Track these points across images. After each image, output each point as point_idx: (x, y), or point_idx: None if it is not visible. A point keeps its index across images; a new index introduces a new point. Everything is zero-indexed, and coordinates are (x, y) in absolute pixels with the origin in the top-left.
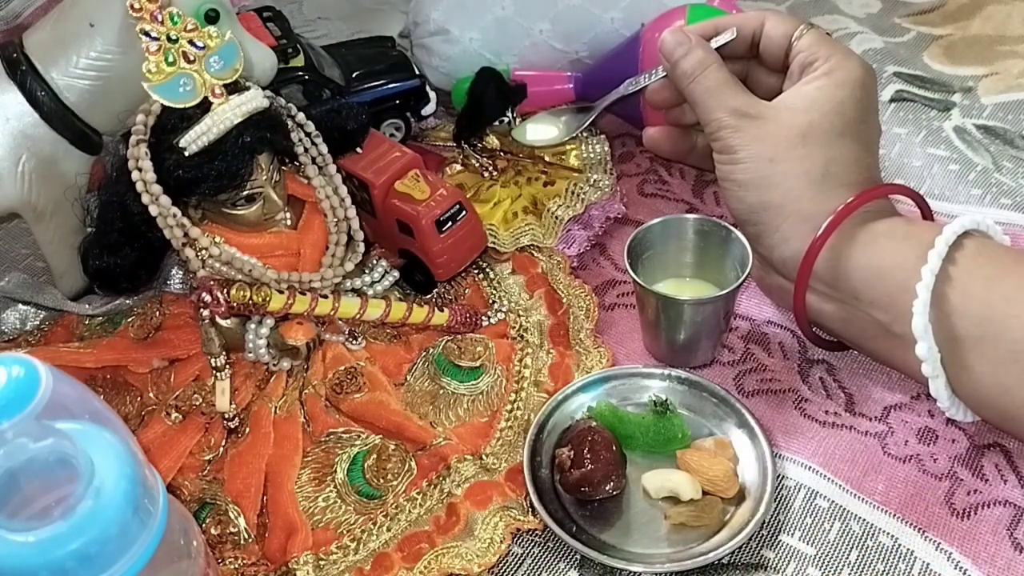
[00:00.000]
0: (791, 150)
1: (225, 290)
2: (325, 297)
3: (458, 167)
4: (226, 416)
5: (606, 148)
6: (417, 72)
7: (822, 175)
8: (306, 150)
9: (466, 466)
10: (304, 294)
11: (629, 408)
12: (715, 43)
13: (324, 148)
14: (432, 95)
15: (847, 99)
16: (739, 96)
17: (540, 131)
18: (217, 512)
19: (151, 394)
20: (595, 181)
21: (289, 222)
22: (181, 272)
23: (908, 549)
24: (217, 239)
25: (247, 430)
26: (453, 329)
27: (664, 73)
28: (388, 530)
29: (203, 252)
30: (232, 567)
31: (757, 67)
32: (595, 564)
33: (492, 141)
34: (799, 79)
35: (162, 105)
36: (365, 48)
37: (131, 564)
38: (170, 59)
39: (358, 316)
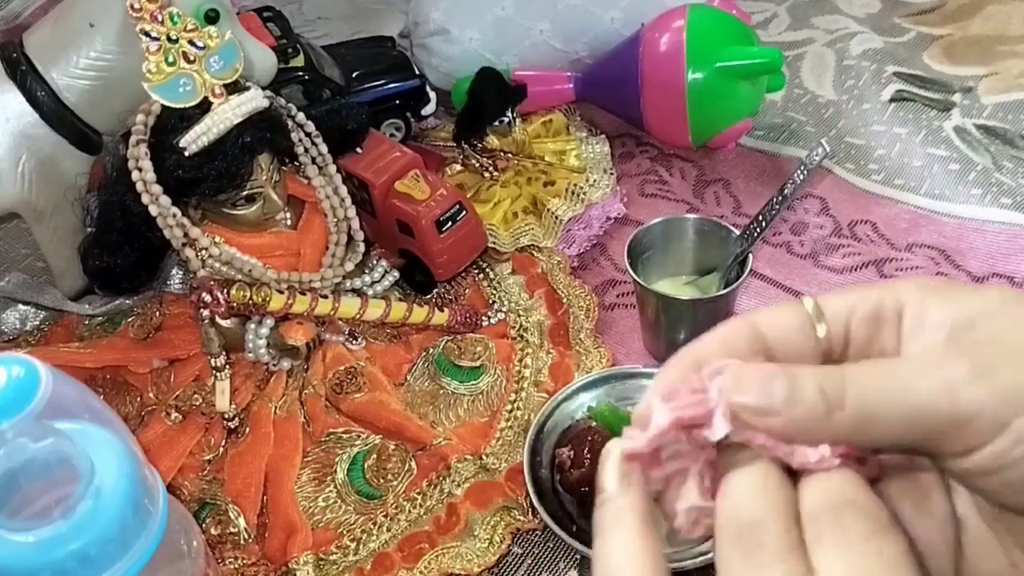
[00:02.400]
0: None
1: (225, 290)
2: (325, 297)
3: (458, 167)
4: (226, 416)
5: (606, 148)
6: (417, 72)
7: None
8: (306, 150)
9: (466, 466)
10: (304, 294)
11: (629, 408)
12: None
13: (324, 148)
14: (432, 95)
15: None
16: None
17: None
18: (217, 512)
19: (151, 394)
20: (595, 181)
21: (289, 222)
22: (181, 272)
23: None
24: (217, 239)
25: (247, 430)
26: (453, 329)
27: None
28: (388, 530)
29: (203, 252)
30: (232, 567)
31: None
32: None
33: (492, 141)
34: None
35: (162, 105)
36: (365, 48)
37: (131, 564)
38: (170, 59)
39: (358, 316)
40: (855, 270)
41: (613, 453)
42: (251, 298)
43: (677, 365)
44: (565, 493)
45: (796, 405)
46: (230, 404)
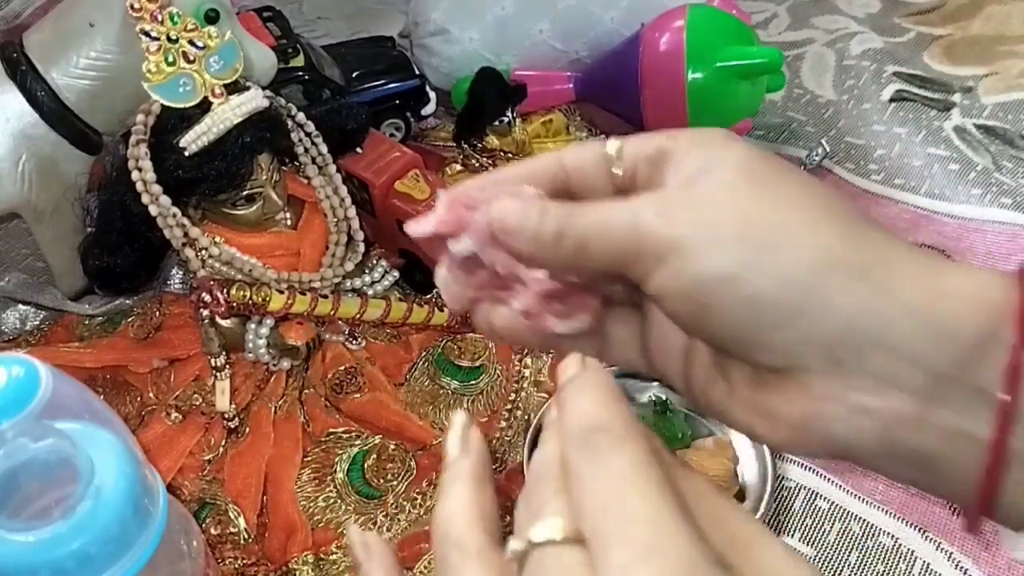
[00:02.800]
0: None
1: (225, 290)
2: (325, 297)
3: (458, 167)
4: (226, 416)
5: None
6: (417, 72)
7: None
8: (306, 150)
9: None
10: (304, 294)
11: (629, 408)
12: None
13: (324, 148)
14: (432, 95)
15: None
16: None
17: None
18: (217, 512)
19: (151, 394)
20: None
21: (289, 222)
22: (181, 272)
23: (909, 549)
24: (217, 239)
25: (247, 430)
26: (453, 329)
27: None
28: (388, 530)
29: (203, 252)
30: (232, 567)
31: None
32: None
33: (492, 141)
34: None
35: (162, 105)
36: (365, 48)
37: (131, 564)
38: (170, 59)
39: (358, 316)
40: None
41: (456, 423)
42: (251, 298)
43: (484, 178)
44: None
45: (540, 231)
46: (230, 404)
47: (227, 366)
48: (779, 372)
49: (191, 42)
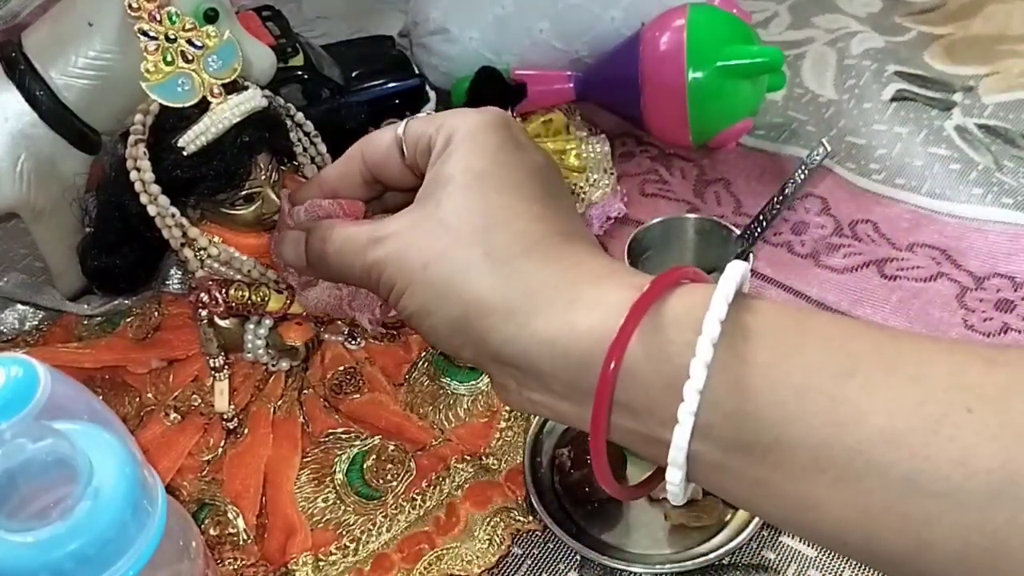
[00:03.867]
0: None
1: (224, 290)
2: None
3: None
4: (225, 417)
5: (606, 148)
6: (417, 72)
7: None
8: (305, 150)
9: (466, 467)
10: None
11: None
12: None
13: (323, 148)
14: (432, 95)
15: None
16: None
17: None
18: (216, 513)
19: (150, 394)
20: (595, 181)
21: None
22: (180, 272)
23: None
24: (215, 239)
25: (246, 431)
26: None
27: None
28: (388, 531)
29: (201, 252)
30: (231, 568)
31: None
32: (595, 565)
33: None
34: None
35: (160, 105)
36: (364, 47)
37: (130, 565)
38: (168, 58)
39: None
40: (856, 270)
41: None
42: (249, 298)
43: (314, 180)
44: (565, 494)
45: (299, 262)
46: (229, 405)
47: (226, 367)
48: None
49: (190, 41)
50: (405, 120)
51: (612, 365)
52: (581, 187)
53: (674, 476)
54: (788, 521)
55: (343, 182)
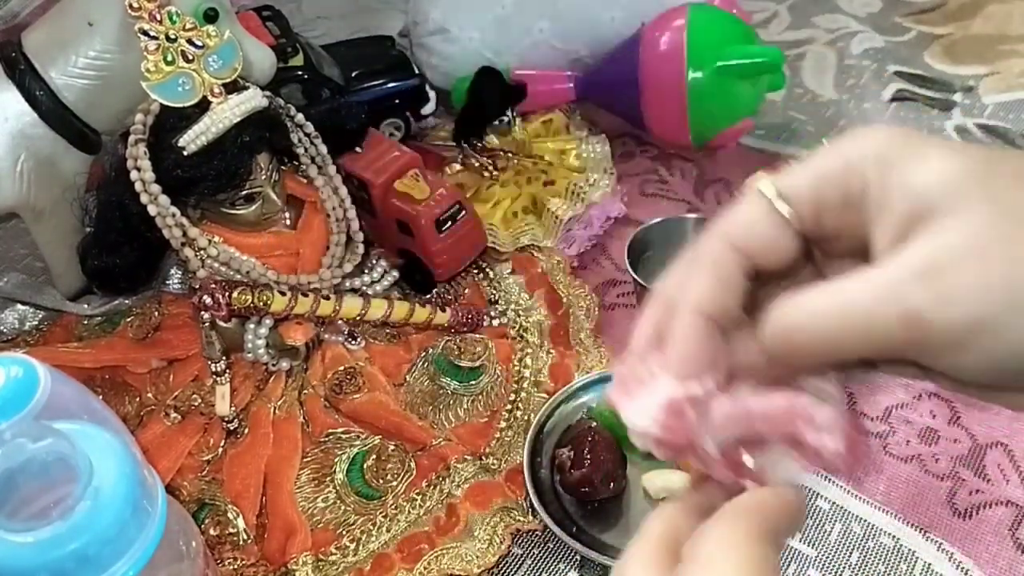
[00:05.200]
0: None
1: (227, 293)
2: (327, 298)
3: (458, 167)
4: (226, 419)
5: (606, 148)
6: (417, 72)
7: None
8: (305, 150)
9: (466, 466)
10: (306, 295)
11: None
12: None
13: (323, 148)
14: (432, 95)
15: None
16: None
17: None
18: (216, 513)
19: (150, 394)
20: (595, 181)
21: (288, 222)
22: (180, 272)
23: (910, 549)
24: (215, 239)
25: (246, 431)
26: (455, 329)
27: None
28: (387, 531)
29: (202, 252)
30: (231, 568)
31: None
32: (595, 565)
33: (492, 141)
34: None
35: (161, 104)
36: (364, 47)
37: (130, 565)
38: (169, 58)
39: (360, 316)
40: None
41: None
42: (253, 302)
43: (683, 325)
44: (565, 494)
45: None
46: (230, 408)
47: (227, 370)
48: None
49: (190, 41)
50: (762, 182)
51: None
52: (581, 187)
53: None
54: None
55: (723, 301)
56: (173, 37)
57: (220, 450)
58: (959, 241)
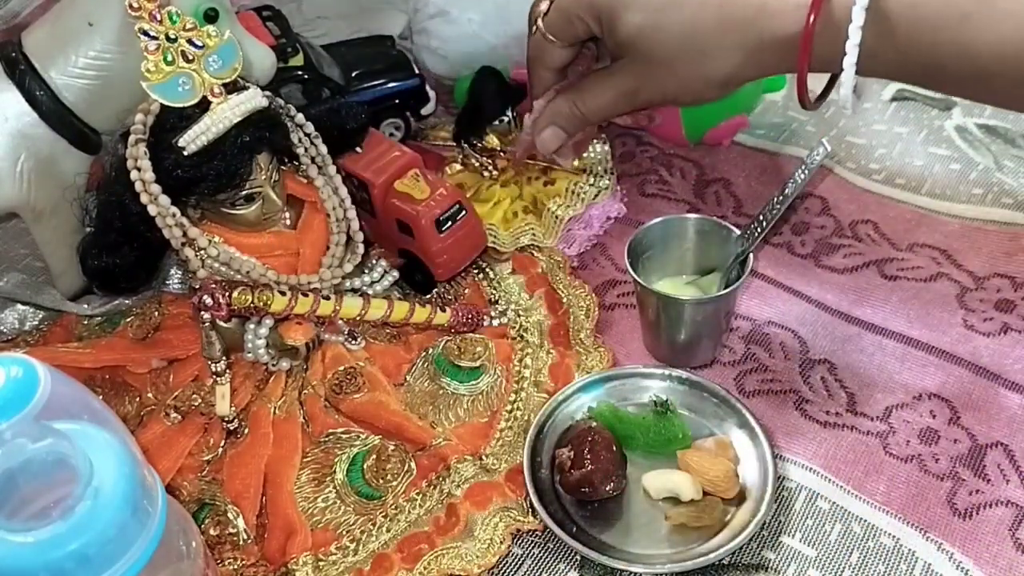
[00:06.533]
0: None
1: (227, 293)
2: (327, 298)
3: (458, 167)
4: (226, 419)
5: (606, 148)
6: (417, 71)
7: None
8: (306, 150)
9: (466, 466)
10: (306, 295)
11: (629, 408)
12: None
13: (323, 148)
14: (432, 94)
15: None
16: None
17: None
18: (216, 513)
19: (150, 394)
20: (595, 181)
21: (288, 222)
22: (180, 272)
23: (910, 550)
24: (215, 239)
25: (246, 431)
26: (455, 329)
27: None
28: (387, 531)
29: (202, 252)
30: (231, 568)
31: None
32: (595, 565)
33: (492, 141)
34: None
35: (161, 104)
36: (365, 47)
37: (130, 565)
38: (169, 58)
39: (360, 316)
40: (856, 270)
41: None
42: (253, 303)
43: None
44: (565, 494)
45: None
46: (230, 408)
47: (227, 370)
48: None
49: (190, 41)
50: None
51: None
52: (581, 187)
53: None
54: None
55: (550, 79)
56: (173, 37)
57: (220, 450)
58: None
